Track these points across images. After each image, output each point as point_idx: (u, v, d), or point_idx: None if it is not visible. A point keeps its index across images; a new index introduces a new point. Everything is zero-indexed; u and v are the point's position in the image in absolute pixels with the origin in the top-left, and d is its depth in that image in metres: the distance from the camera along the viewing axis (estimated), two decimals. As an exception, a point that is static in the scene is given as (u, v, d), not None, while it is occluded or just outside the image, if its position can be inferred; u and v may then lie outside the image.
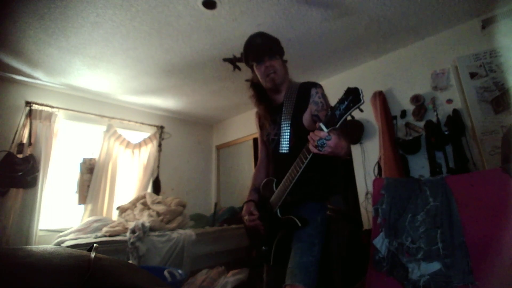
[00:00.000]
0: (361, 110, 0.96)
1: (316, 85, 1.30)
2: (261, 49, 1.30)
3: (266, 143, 1.46)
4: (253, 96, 1.42)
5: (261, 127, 1.46)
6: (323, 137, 0.97)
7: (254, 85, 1.41)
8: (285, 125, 1.27)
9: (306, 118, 1.27)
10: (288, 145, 1.24)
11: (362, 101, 0.93)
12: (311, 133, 1.01)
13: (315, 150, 1.00)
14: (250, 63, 1.36)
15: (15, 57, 2.53)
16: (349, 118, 0.98)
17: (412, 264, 1.36)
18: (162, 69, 2.88)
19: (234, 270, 2.66)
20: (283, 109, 1.30)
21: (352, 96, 0.94)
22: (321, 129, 0.99)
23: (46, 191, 2.90)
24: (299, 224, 1.13)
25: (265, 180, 1.38)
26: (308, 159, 1.07)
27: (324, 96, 1.29)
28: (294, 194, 1.19)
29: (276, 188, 1.26)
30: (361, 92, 0.93)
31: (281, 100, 1.35)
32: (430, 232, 1.38)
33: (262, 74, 1.31)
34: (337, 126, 0.97)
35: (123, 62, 2.71)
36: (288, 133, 1.25)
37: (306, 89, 1.30)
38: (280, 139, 1.27)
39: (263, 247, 1.30)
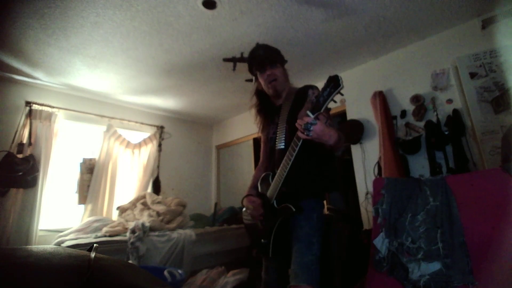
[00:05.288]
0: (341, 94, 1.05)
1: (312, 87, 1.39)
2: (263, 59, 1.42)
3: (266, 143, 1.53)
4: (256, 104, 1.54)
5: (262, 129, 1.55)
6: (309, 122, 1.05)
7: (259, 92, 1.53)
8: (282, 123, 1.36)
9: (301, 115, 1.31)
10: (284, 141, 1.32)
11: (341, 86, 1.02)
12: (298, 120, 1.09)
13: (303, 136, 1.07)
14: (254, 72, 1.48)
15: (15, 57, 2.53)
16: (332, 103, 1.07)
17: (412, 264, 1.36)
18: (162, 69, 2.88)
19: (234, 270, 2.66)
20: (281, 109, 1.40)
21: (333, 83, 1.03)
22: (308, 116, 1.06)
23: (46, 191, 2.90)
24: (293, 209, 1.17)
25: (262, 175, 1.42)
26: (298, 146, 1.13)
27: None
28: (289, 185, 1.24)
29: (272, 181, 1.31)
30: (340, 78, 1.02)
31: (281, 103, 1.45)
32: (430, 232, 1.38)
33: (264, 81, 1.42)
34: (322, 110, 1.05)
35: (123, 62, 2.71)
36: (284, 130, 1.33)
37: (304, 91, 1.38)
38: (277, 136, 1.36)
39: (262, 240, 1.33)
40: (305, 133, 1.05)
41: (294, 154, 1.15)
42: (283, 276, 1.13)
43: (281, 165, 1.22)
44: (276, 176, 1.26)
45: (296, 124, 1.09)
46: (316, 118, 1.06)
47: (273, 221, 1.28)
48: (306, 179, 1.28)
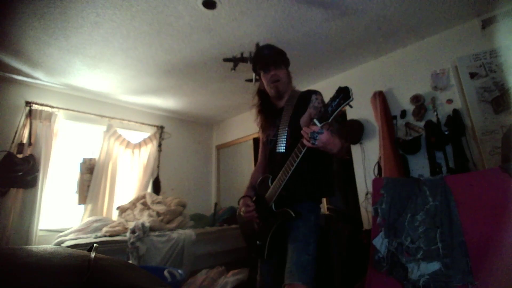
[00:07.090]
0: (351, 106, 1.07)
1: (316, 92, 1.41)
2: (267, 59, 1.43)
3: (265, 145, 1.54)
4: (258, 104, 1.55)
5: (262, 129, 1.55)
6: (316, 131, 1.06)
7: (260, 92, 1.54)
8: (283, 126, 1.36)
9: (304, 120, 1.34)
10: (285, 145, 1.32)
11: (351, 98, 1.03)
12: (304, 128, 1.09)
13: (308, 144, 1.07)
14: (258, 71, 1.49)
15: (15, 57, 2.53)
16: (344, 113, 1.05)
17: (412, 264, 1.36)
18: (162, 69, 2.88)
19: (234, 270, 2.66)
20: (283, 112, 1.40)
21: (343, 94, 1.04)
22: (315, 124, 1.07)
23: (46, 191, 2.90)
24: (293, 215, 1.18)
25: (261, 177, 1.43)
26: (302, 153, 1.13)
27: (323, 102, 1.37)
28: (289, 189, 1.25)
29: (272, 184, 1.31)
30: (351, 90, 1.04)
31: (283, 105, 1.45)
32: (429, 232, 1.38)
33: (267, 81, 1.43)
34: (329, 120, 1.06)
35: (123, 62, 2.71)
36: (286, 134, 1.33)
37: (307, 95, 1.39)
38: (278, 139, 1.35)
39: (258, 242, 1.34)
40: (311, 142, 1.06)
41: (297, 160, 1.15)
42: (277, 278, 1.14)
43: (283, 169, 1.22)
44: (276, 180, 1.27)
45: (302, 132, 1.09)
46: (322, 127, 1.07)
47: (270, 223, 1.29)
48: (306, 184, 1.30)
